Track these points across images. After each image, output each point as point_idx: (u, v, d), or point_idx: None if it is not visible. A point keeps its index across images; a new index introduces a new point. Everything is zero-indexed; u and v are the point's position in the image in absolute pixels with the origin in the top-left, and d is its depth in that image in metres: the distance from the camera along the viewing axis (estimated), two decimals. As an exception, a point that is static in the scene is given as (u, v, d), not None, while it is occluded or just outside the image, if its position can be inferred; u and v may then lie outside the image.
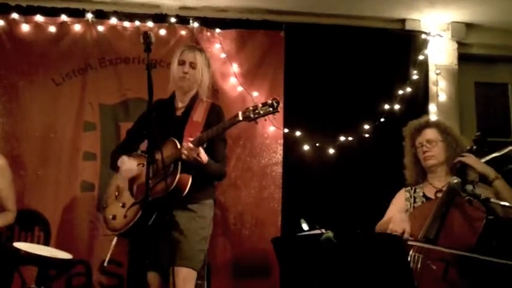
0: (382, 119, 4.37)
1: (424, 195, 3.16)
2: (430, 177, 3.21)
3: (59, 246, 3.73)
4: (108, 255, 3.32)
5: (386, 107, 4.39)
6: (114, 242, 3.29)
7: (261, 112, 2.95)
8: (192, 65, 3.28)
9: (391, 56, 4.49)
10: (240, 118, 2.98)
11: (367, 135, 4.35)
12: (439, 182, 3.16)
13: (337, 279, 2.46)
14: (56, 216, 4.04)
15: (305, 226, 2.82)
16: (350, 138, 4.35)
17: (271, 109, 2.94)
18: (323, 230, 2.54)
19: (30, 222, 4.01)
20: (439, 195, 3.03)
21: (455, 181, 2.88)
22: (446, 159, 3.16)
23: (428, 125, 3.27)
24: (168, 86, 3.41)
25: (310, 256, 2.50)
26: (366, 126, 4.35)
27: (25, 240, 3.92)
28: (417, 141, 3.23)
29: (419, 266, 2.79)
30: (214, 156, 3.17)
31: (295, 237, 2.66)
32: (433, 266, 2.78)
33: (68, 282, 3.98)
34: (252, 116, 2.96)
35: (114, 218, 3.26)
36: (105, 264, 3.40)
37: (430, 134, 3.20)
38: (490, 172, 3.01)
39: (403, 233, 2.85)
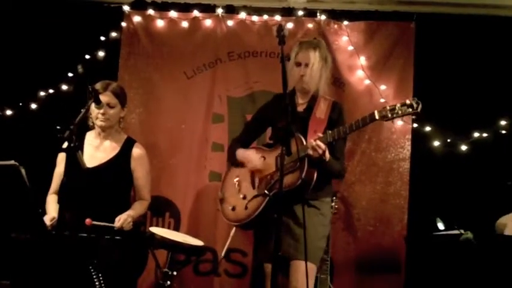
0: (521, 114, 4.10)
1: None
2: None
3: (188, 232, 3.86)
4: (226, 246, 3.40)
5: (527, 101, 4.11)
6: (232, 233, 3.35)
7: (399, 112, 2.86)
8: (308, 65, 3.21)
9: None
10: (377, 117, 2.90)
11: (504, 132, 4.11)
12: None
13: (474, 281, 2.35)
14: (185, 203, 4.23)
15: (441, 225, 2.72)
16: (485, 135, 4.12)
17: (410, 110, 2.85)
18: (462, 231, 2.44)
19: (161, 209, 4.22)
20: None
21: None
22: None
23: None
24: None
25: (447, 256, 2.42)
26: (503, 122, 4.11)
27: (156, 226, 4.13)
28: None
29: None
30: (334, 154, 3.11)
31: (431, 237, 2.57)
32: None
33: (196, 268, 4.17)
34: (389, 115, 2.88)
35: (233, 209, 3.30)
36: (222, 255, 3.48)
37: None
38: None
39: None
